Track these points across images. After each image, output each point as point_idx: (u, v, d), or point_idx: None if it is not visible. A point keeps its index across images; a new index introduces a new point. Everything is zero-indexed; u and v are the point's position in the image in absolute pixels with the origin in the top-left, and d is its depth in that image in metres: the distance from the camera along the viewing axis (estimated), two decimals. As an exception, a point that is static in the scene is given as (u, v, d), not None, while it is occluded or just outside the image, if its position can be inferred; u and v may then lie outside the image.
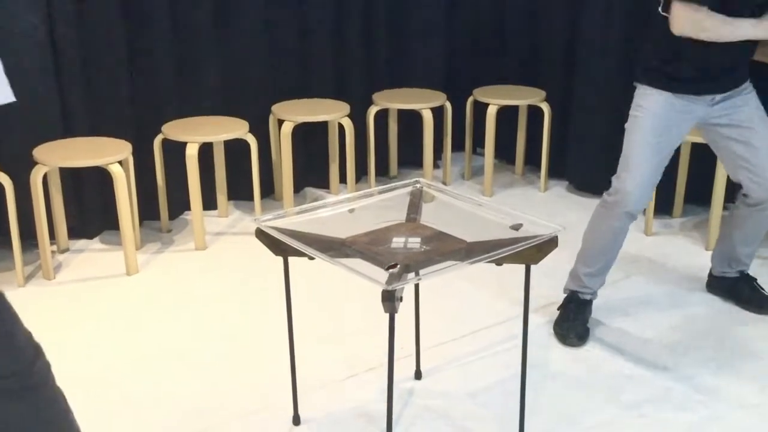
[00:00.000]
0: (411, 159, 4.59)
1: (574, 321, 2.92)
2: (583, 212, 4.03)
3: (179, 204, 4.03)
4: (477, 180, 4.49)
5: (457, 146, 4.58)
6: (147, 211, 3.90)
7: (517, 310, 3.10)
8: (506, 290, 3.25)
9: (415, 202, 2.50)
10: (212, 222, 3.99)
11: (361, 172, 4.37)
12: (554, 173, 4.37)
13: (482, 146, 4.60)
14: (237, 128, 3.73)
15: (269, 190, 4.24)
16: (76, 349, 2.88)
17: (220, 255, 3.63)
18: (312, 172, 4.36)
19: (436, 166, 4.52)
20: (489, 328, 2.99)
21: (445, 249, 2.20)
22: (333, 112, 3.96)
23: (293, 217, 2.40)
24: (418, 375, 2.71)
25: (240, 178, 4.11)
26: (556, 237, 2.20)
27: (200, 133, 3.66)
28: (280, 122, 4.01)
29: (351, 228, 2.55)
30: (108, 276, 3.43)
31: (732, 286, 3.13)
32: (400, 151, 4.52)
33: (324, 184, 4.37)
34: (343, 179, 4.32)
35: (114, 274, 3.45)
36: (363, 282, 2.03)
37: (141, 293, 3.29)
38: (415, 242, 2.25)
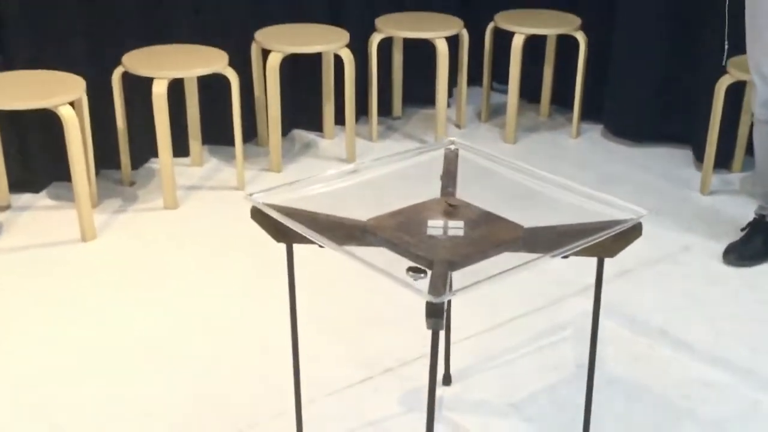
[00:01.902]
0: (416, 96, 4.20)
1: (748, 242, 2.94)
2: (624, 164, 3.68)
3: (143, 150, 3.63)
4: (495, 122, 4.11)
5: (469, 81, 4.17)
6: (105, 160, 3.50)
7: (559, 291, 2.76)
8: (544, 266, 2.91)
9: (451, 171, 2.12)
10: (184, 173, 3.59)
11: (359, 112, 3.97)
12: (587, 116, 4.00)
13: (499, 82, 4.22)
14: (214, 61, 3.31)
15: (251, 133, 3.83)
16: (15, 343, 2.51)
17: (196, 216, 3.25)
18: (300, 111, 3.95)
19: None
20: (527, 316, 2.66)
21: (497, 238, 1.84)
22: (330, 42, 3.54)
23: (293, 187, 2.02)
24: (447, 380, 2.37)
25: (215, 119, 3.70)
26: (640, 224, 1.84)
27: (169, 66, 3.23)
28: (265, 52, 3.59)
29: (371, 205, 2.18)
30: (59, 242, 3.04)
31: None
32: (404, 87, 4.12)
33: (315, 125, 3.98)
34: (338, 120, 3.93)
35: (66, 239, 3.06)
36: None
37: (100, 266, 2.91)
38: (457, 227, 1.88)
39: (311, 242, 1.83)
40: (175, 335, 2.55)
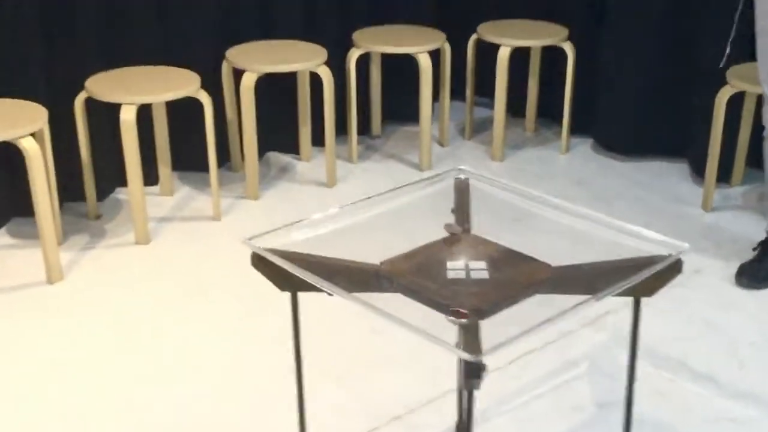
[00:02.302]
0: (395, 113, 4.05)
1: (760, 262, 2.84)
2: (619, 179, 3.57)
3: (108, 179, 3.44)
4: (480, 138, 3.98)
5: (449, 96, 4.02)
6: (67, 191, 3.30)
7: (567, 323, 2.63)
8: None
9: (464, 204, 1.98)
10: (154, 203, 3.41)
11: (337, 132, 3.81)
12: (575, 129, 3.88)
13: (480, 95, 4.08)
14: (185, 83, 3.14)
15: (223, 157, 3.66)
16: (-13, 400, 2.32)
17: (170, 250, 3.07)
18: (275, 132, 3.78)
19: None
20: (537, 351, 2.51)
21: (525, 279, 1.70)
22: (308, 59, 3.38)
23: (293, 227, 1.87)
24: (461, 428, 2.21)
25: (185, 143, 3.53)
26: (680, 262, 1.71)
27: (137, 90, 3.05)
28: (237, 72, 3.42)
29: (380, 245, 2.04)
30: (22, 286, 2.84)
31: None
32: (382, 103, 3.97)
33: (290, 147, 3.81)
34: (314, 141, 3.77)
35: (30, 281, 2.86)
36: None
37: (68, 310, 2.72)
38: (479, 268, 1.74)
39: (319, 290, 1.68)
40: (155, 386, 2.37)
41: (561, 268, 1.74)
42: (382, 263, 1.75)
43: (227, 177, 3.61)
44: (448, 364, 2.23)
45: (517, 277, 1.71)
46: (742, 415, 2.26)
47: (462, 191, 2.02)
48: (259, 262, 1.74)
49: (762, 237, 2.97)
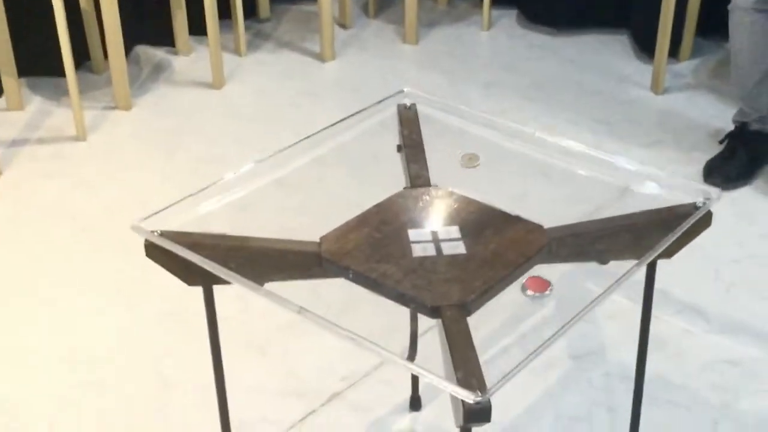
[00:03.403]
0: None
1: (730, 158, 2.56)
2: (553, 60, 3.22)
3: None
4: (387, 17, 3.54)
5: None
6: None
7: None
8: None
9: (415, 142, 1.59)
10: (0, 121, 2.89)
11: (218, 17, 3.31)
12: (496, 0, 3.48)
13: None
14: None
15: (81, 57, 3.13)
16: None
17: (27, 188, 2.59)
18: (142, 20, 3.26)
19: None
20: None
21: (513, 250, 1.35)
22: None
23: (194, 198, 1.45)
24: (415, 404, 1.89)
25: (30, 43, 2.99)
26: (709, 214, 1.38)
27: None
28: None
29: (311, 209, 1.65)
30: None
31: None
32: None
33: (164, 39, 3.30)
34: (192, 30, 3.27)
35: None
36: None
37: None
38: (452, 238, 1.37)
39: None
40: (36, 370, 1.97)
41: (558, 230, 1.38)
42: (322, 240, 1.37)
43: (89, 81, 3.10)
44: (389, 319, 1.87)
45: (502, 247, 1.35)
46: (739, 354, 2.00)
47: (409, 122, 1.62)
48: (157, 252, 1.33)
49: (724, 125, 2.70)
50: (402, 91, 1.67)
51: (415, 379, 1.87)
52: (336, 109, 2.92)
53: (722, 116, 2.81)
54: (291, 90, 3.07)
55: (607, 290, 1.22)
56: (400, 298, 1.27)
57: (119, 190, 2.56)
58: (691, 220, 1.34)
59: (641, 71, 3.11)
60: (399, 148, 1.62)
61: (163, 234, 1.32)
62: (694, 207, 1.37)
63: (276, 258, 1.35)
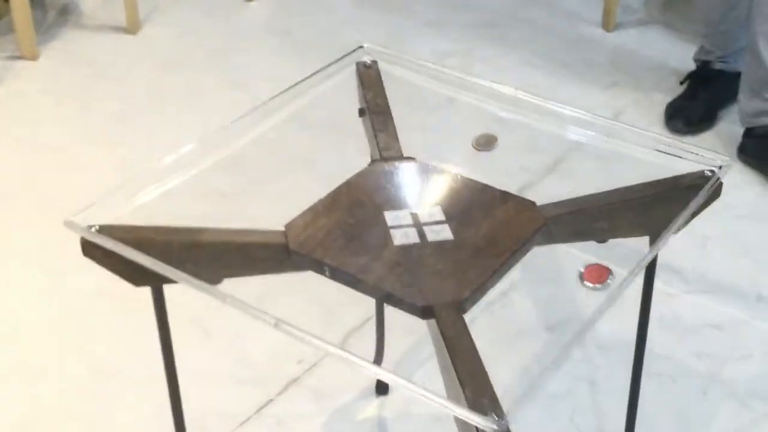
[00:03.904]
0: None
1: (692, 99, 2.44)
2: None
3: None
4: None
5: None
6: None
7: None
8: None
9: (381, 108, 1.43)
10: None
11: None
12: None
13: None
14: None
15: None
16: None
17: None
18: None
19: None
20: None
21: (507, 232, 1.22)
22: None
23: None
24: (381, 388, 1.76)
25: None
26: (719, 185, 1.26)
27: None
28: None
29: (267, 191, 1.48)
30: None
31: None
32: None
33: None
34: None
35: None
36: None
37: None
38: (436, 221, 1.23)
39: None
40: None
41: (553, 207, 1.25)
42: (287, 228, 1.21)
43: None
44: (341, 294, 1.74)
45: (494, 231, 1.22)
46: (721, 317, 1.92)
47: (372, 83, 1.46)
48: (97, 251, 1.16)
49: (680, 64, 2.61)
50: (361, 47, 1.50)
51: (379, 361, 1.75)
52: (269, 56, 2.74)
53: (678, 54, 2.71)
54: (215, 33, 2.86)
55: (630, 275, 1.10)
56: (387, 299, 1.14)
57: (31, 153, 2.35)
58: (704, 195, 1.23)
59: (591, 6, 2.98)
60: (361, 113, 1.46)
61: (103, 230, 1.16)
62: (703, 177, 1.25)
63: (236, 253, 1.20)
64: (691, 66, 2.54)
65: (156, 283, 1.19)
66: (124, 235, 1.15)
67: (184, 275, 1.11)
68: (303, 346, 1.66)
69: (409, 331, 1.77)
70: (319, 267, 1.17)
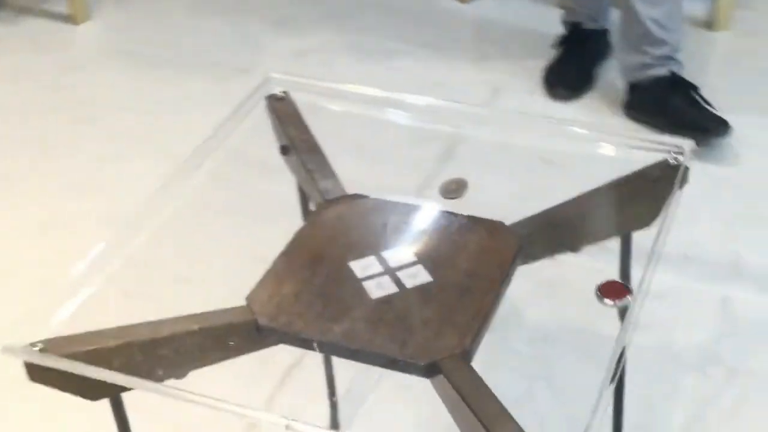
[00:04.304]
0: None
1: (567, 63, 2.43)
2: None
3: None
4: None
5: None
6: None
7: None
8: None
9: (306, 141, 1.33)
10: None
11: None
12: None
13: None
14: None
15: None
16: None
17: None
18: None
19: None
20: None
21: (483, 262, 1.15)
22: None
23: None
24: (334, 427, 1.67)
25: None
26: (685, 170, 1.23)
27: None
28: None
29: (209, 264, 1.33)
30: None
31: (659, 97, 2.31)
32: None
33: None
34: None
35: None
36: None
37: None
38: (405, 261, 1.15)
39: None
40: None
41: (523, 225, 1.19)
42: (250, 301, 1.11)
43: None
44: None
45: (472, 263, 1.14)
46: (658, 284, 1.91)
47: (291, 117, 1.36)
48: (47, 374, 1.02)
49: (543, 27, 2.60)
50: (271, 78, 1.39)
51: (333, 400, 1.65)
52: (113, 79, 2.57)
53: (541, 18, 2.69)
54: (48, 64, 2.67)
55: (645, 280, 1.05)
56: (383, 362, 1.05)
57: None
58: (677, 186, 1.19)
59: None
60: (284, 150, 1.36)
61: (49, 348, 1.02)
62: (669, 165, 1.21)
63: (201, 341, 1.08)
64: (557, 28, 2.53)
65: (116, 392, 1.06)
66: (75, 349, 1.02)
67: (156, 386, 1.00)
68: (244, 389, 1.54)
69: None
70: (302, 343, 1.07)
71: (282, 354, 1.72)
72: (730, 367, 1.74)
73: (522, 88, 2.46)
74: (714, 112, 2.20)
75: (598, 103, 2.38)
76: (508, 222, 1.20)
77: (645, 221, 1.23)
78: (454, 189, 1.15)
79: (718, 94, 2.29)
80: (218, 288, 1.17)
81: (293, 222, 1.25)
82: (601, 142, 1.30)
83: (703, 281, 1.92)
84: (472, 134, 2.00)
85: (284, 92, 1.39)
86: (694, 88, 2.26)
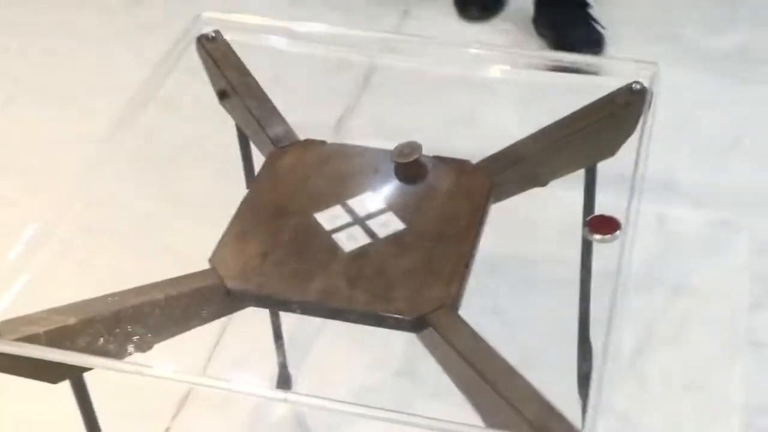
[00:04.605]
0: None
1: None
2: None
3: None
4: None
5: None
6: None
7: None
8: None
9: (248, 82, 1.26)
10: None
11: None
12: None
13: None
14: None
15: None
16: None
17: None
18: None
19: None
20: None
21: (457, 204, 1.11)
22: None
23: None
24: (285, 380, 1.62)
25: None
26: (644, 90, 1.20)
27: None
28: None
29: (165, 223, 1.25)
30: None
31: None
32: None
33: None
34: None
35: None
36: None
37: None
38: (374, 209, 1.10)
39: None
40: None
41: (492, 162, 1.15)
42: (214, 264, 1.04)
43: None
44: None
45: (445, 206, 1.10)
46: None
47: (227, 59, 1.27)
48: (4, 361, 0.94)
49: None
50: (198, 17, 1.30)
51: (280, 349, 1.59)
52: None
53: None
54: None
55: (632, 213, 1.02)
56: (368, 319, 1.00)
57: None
58: (645, 110, 1.16)
59: None
60: (222, 95, 1.28)
61: (1, 331, 0.94)
62: (634, 91, 1.18)
63: (168, 310, 1.01)
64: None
65: (78, 373, 0.99)
66: (31, 330, 0.94)
67: (126, 365, 0.93)
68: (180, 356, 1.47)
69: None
70: (275, 304, 1.01)
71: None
72: (674, 285, 1.76)
73: (434, 13, 2.39)
74: (599, 29, 2.25)
75: (508, 23, 2.35)
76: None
77: (611, 150, 1.21)
78: (409, 152, 1.09)
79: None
80: (183, 245, 1.09)
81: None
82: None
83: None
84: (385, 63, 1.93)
85: (216, 31, 1.30)
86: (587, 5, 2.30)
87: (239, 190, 1.16)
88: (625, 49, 2.22)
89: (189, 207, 1.81)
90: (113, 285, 1.00)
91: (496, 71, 1.37)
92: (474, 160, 1.14)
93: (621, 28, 2.30)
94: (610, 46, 2.25)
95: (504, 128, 1.84)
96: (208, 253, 1.05)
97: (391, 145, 1.13)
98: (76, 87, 2.22)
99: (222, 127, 1.29)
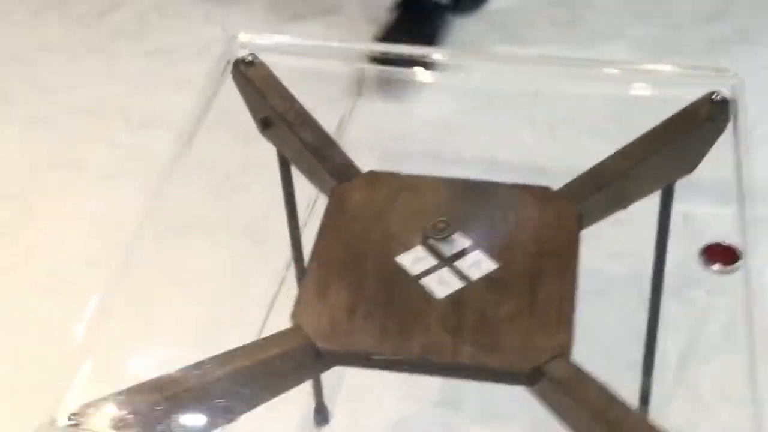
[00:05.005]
0: None
1: (411, 25, 2.27)
2: None
3: None
4: None
5: None
6: None
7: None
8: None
9: (296, 110, 1.17)
10: None
11: None
12: None
13: None
14: None
15: None
16: None
17: None
18: None
19: None
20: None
21: (547, 238, 1.04)
22: None
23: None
24: (321, 414, 1.54)
25: None
26: (725, 101, 1.14)
27: None
28: None
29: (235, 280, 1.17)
30: None
31: None
32: None
33: None
34: None
35: None
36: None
37: None
38: (460, 247, 1.03)
39: None
40: None
41: (578, 189, 1.08)
42: (296, 319, 0.96)
43: None
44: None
45: (536, 240, 1.03)
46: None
47: (271, 85, 1.18)
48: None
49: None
50: (235, 37, 1.21)
51: (317, 383, 1.52)
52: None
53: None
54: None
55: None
56: (478, 374, 0.93)
57: None
58: (726, 121, 1.11)
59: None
60: (266, 124, 1.19)
61: (84, 412, 0.85)
62: (714, 102, 1.13)
63: (257, 376, 0.93)
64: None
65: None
66: (120, 413, 0.86)
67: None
68: None
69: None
70: (377, 364, 0.94)
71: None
72: (708, 289, 1.72)
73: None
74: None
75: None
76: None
77: (692, 166, 1.16)
78: (443, 228, 1.02)
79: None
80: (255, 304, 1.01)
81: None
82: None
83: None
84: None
85: (252, 55, 1.21)
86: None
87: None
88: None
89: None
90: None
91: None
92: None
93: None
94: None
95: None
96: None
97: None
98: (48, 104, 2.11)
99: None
